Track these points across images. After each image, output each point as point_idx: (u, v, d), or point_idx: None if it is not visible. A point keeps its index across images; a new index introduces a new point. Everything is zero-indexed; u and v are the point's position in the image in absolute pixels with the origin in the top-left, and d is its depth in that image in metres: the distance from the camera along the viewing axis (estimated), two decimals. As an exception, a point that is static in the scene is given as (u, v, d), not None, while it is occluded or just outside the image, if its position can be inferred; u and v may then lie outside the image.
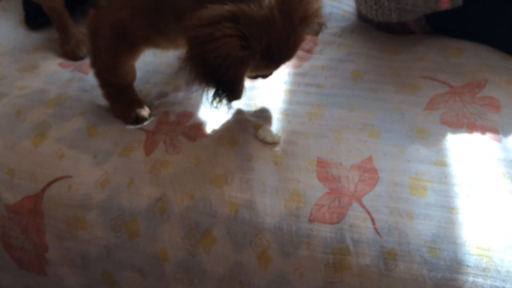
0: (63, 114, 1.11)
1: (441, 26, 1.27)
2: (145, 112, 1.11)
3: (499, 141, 0.98)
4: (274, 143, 1.00)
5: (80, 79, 1.22)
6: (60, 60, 1.33)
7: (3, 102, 1.15)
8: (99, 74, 1.10)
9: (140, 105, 1.12)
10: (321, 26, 0.93)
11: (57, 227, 0.99)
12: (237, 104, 1.09)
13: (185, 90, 1.17)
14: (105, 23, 1.01)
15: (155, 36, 0.98)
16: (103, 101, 1.15)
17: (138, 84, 1.18)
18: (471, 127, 1.01)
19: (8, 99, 1.16)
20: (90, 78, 1.24)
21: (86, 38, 1.09)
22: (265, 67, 0.89)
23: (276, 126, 1.04)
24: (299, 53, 1.25)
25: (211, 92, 0.88)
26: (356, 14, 1.42)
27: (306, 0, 0.85)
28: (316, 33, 0.95)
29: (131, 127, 1.08)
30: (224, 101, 0.90)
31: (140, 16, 0.95)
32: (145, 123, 1.09)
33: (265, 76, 1.00)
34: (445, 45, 1.24)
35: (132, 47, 1.04)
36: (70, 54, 1.34)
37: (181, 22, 0.85)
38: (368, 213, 0.88)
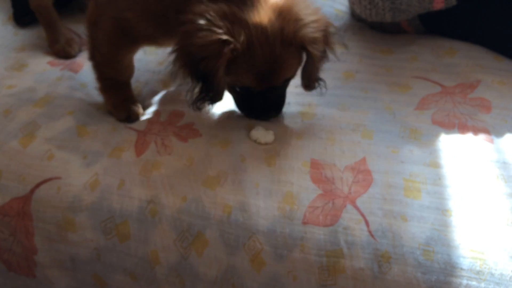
0: (52, 114, 1.09)
1: (434, 26, 1.27)
2: (139, 110, 1.10)
3: (491, 141, 0.97)
4: (267, 144, 0.99)
5: (69, 78, 1.20)
6: (49, 58, 1.30)
7: (-10, 101, 1.13)
8: (97, 67, 1.09)
9: (134, 103, 1.11)
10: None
11: (46, 229, 0.97)
12: (218, 106, 1.05)
13: (173, 85, 1.17)
14: (107, 17, 1.01)
15: (159, 36, 1.02)
16: (93, 100, 1.14)
17: (129, 83, 1.17)
18: (462, 128, 1.01)
19: (-4, 98, 1.14)
20: (80, 77, 1.22)
21: (86, 31, 1.09)
22: (247, 73, 0.91)
23: (268, 126, 1.03)
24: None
25: (195, 90, 0.93)
26: (350, 13, 1.41)
27: (304, 23, 0.90)
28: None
29: (122, 125, 1.07)
30: (206, 101, 0.94)
31: (147, 19, 0.98)
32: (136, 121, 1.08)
33: (263, 115, 1.02)
34: (438, 45, 1.24)
35: (133, 43, 1.06)
36: (61, 52, 1.31)
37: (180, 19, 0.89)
38: (362, 215, 0.87)
